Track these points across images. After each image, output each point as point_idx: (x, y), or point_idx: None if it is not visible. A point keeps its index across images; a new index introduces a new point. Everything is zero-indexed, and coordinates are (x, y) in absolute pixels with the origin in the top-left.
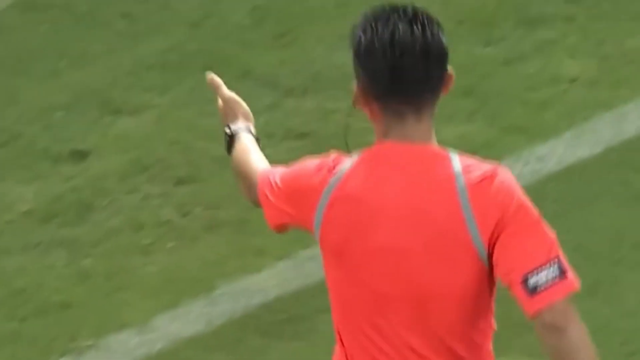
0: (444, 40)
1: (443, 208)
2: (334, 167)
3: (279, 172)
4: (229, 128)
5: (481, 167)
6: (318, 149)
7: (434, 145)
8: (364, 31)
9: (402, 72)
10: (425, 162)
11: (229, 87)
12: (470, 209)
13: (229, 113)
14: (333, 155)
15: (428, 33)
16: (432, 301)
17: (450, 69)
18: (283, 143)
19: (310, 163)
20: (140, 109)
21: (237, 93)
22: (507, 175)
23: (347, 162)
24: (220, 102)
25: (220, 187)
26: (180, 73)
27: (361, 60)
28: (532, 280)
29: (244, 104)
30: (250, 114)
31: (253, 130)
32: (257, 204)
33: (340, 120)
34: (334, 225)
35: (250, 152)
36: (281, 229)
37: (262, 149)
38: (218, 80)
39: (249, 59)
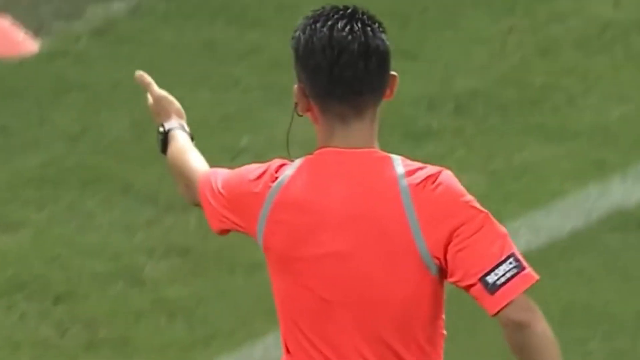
0: (385, 39)
1: (386, 211)
2: (276, 173)
3: (220, 176)
4: (163, 126)
5: (424, 170)
6: (199, 266)
7: (377, 149)
8: (304, 31)
9: (340, 71)
10: (368, 166)
11: (107, 203)
12: (413, 211)
13: (161, 111)
14: (275, 162)
15: (368, 31)
16: (375, 306)
17: (394, 72)
18: (163, 260)
19: (252, 169)
20: (16, 224)
21: (116, 209)
22: (450, 177)
23: (290, 169)
24: (150, 100)
25: (99, 305)
26: (58, 188)
27: (301, 60)
28: (489, 279)
29: (176, 102)
30: (183, 112)
31: (187, 128)
32: (197, 204)
33: (220, 238)
34: (278, 232)
35: (187, 150)
36: (223, 233)
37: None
38: (148, 78)
39: (128, 173)
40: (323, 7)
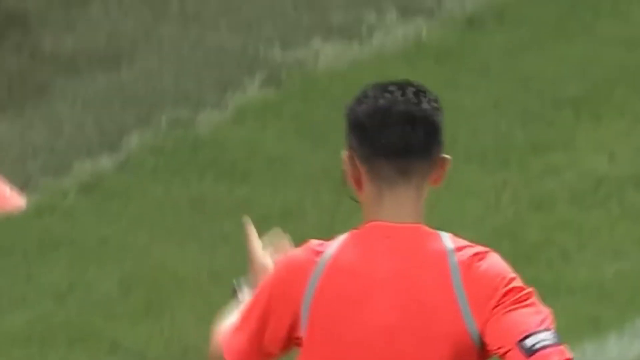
0: (436, 110)
1: (435, 286)
2: (319, 247)
3: (247, 299)
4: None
5: (472, 247)
6: None
7: (424, 225)
8: (356, 98)
9: (388, 130)
10: (417, 239)
11: None
12: (462, 286)
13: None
14: (312, 241)
15: (421, 97)
16: None
17: (447, 156)
18: None
19: (290, 257)
20: None
21: None
22: (498, 256)
23: (335, 242)
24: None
25: None
26: (45, 346)
27: (351, 123)
28: (528, 341)
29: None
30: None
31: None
32: None
33: None
34: (327, 301)
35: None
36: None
37: None
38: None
39: (116, 331)
40: (380, 81)
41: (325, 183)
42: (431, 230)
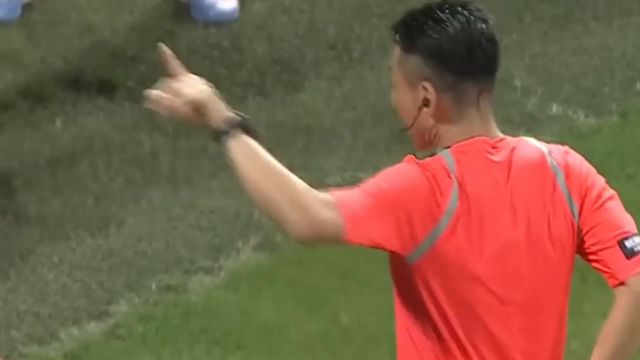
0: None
1: (547, 189)
2: (445, 167)
3: (365, 189)
4: (223, 125)
5: (557, 147)
6: None
7: (505, 136)
8: (430, 24)
9: (479, 51)
10: (519, 148)
11: None
12: (565, 185)
13: (200, 107)
14: (429, 164)
15: (488, 19)
16: (544, 299)
17: None
18: None
19: (407, 170)
20: None
21: None
22: (577, 154)
23: (449, 163)
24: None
25: None
26: None
27: (435, 55)
28: (628, 243)
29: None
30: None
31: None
32: (310, 222)
33: None
34: (459, 232)
35: (274, 161)
36: (369, 244)
37: None
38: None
39: None
40: (435, 4)
41: (323, 351)
42: (518, 138)
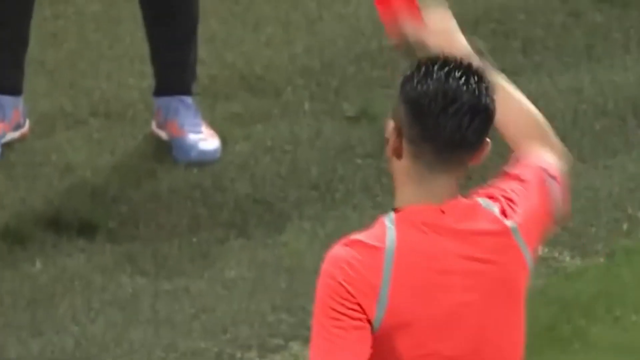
0: (494, 102)
1: (501, 254)
2: (376, 238)
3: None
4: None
5: (507, 199)
6: None
7: (458, 198)
8: (418, 70)
9: (446, 119)
10: (467, 215)
11: None
12: (524, 242)
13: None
14: (359, 235)
15: (482, 87)
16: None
17: (488, 139)
18: None
19: (351, 252)
20: None
21: None
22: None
23: (390, 231)
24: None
25: None
26: None
27: (407, 99)
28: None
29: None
30: None
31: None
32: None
33: None
34: (402, 297)
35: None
36: None
37: None
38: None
39: None
40: (439, 56)
41: None
42: (470, 200)
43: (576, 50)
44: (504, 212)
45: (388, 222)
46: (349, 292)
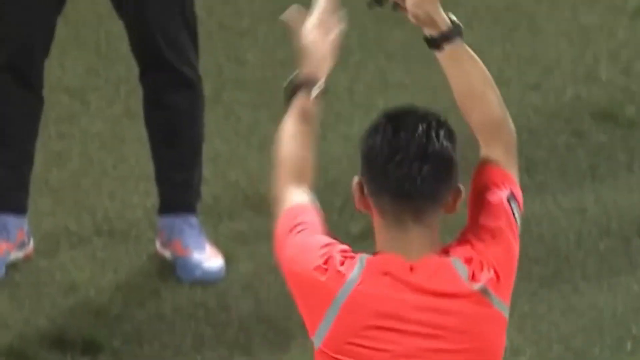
0: (450, 148)
1: (469, 314)
2: (341, 266)
3: (299, 232)
4: (294, 77)
5: (478, 264)
6: None
7: (435, 254)
8: (373, 125)
9: (394, 169)
10: (436, 275)
11: None
12: (497, 298)
13: (306, 57)
14: (335, 249)
15: (432, 134)
16: None
17: (460, 186)
18: None
19: (316, 248)
20: None
21: None
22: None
23: (356, 270)
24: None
25: None
26: None
27: (363, 153)
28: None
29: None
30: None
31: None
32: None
33: None
34: (342, 334)
35: (298, 145)
36: None
37: None
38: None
39: None
40: (397, 107)
41: None
42: (443, 259)
43: (580, 170)
44: (473, 276)
45: (360, 261)
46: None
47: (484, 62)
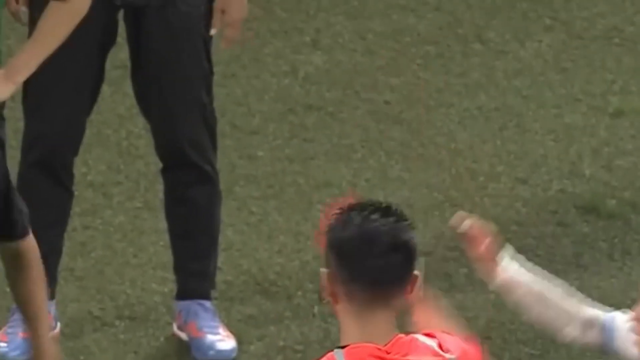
0: (414, 237)
1: None
2: None
3: None
4: None
5: (449, 342)
6: None
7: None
8: (338, 219)
9: (371, 261)
10: (411, 349)
11: None
12: None
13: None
14: None
15: (399, 226)
16: None
17: (416, 272)
18: None
19: None
20: None
21: None
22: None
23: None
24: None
25: None
26: None
27: (332, 247)
28: None
29: None
30: None
31: None
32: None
33: None
34: None
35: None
36: None
37: None
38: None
39: None
40: (358, 202)
41: None
42: (410, 337)
43: (565, 258)
44: (441, 346)
45: (337, 355)
46: None
47: (476, 158)
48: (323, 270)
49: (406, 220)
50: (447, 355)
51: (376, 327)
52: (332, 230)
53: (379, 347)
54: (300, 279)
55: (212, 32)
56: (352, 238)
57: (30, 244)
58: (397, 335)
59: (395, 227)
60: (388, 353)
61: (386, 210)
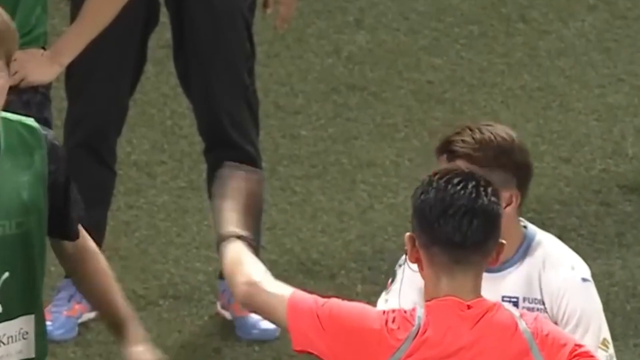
0: (496, 203)
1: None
2: (411, 319)
3: (323, 304)
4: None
5: (529, 313)
6: None
7: (483, 298)
8: (424, 182)
9: (445, 223)
10: (490, 310)
11: None
12: (539, 353)
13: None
14: (402, 311)
15: (481, 191)
16: None
17: (502, 241)
18: None
19: (372, 311)
20: None
21: None
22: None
23: (417, 318)
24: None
25: None
26: None
27: (415, 209)
28: None
29: None
30: None
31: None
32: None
33: None
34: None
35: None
36: (302, 352)
37: None
38: None
39: None
40: (444, 168)
41: None
42: (493, 302)
43: (608, 237)
44: (523, 316)
45: (419, 308)
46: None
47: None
48: (407, 233)
49: (492, 187)
50: (527, 331)
51: (457, 290)
52: (415, 195)
53: (461, 301)
54: (343, 258)
55: (268, 11)
56: (432, 202)
57: (84, 237)
58: (481, 298)
59: (474, 192)
60: (469, 307)
61: (468, 177)
